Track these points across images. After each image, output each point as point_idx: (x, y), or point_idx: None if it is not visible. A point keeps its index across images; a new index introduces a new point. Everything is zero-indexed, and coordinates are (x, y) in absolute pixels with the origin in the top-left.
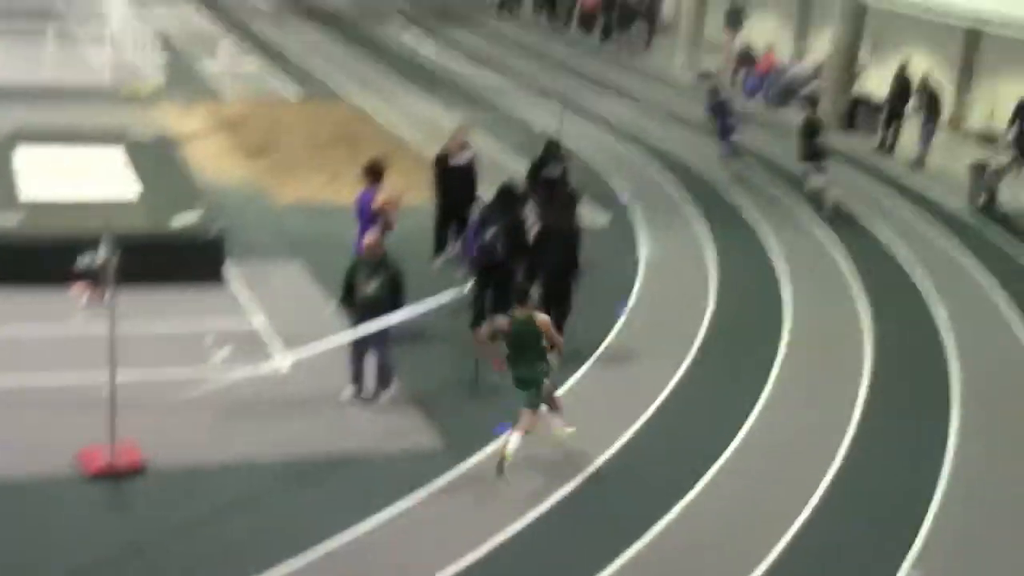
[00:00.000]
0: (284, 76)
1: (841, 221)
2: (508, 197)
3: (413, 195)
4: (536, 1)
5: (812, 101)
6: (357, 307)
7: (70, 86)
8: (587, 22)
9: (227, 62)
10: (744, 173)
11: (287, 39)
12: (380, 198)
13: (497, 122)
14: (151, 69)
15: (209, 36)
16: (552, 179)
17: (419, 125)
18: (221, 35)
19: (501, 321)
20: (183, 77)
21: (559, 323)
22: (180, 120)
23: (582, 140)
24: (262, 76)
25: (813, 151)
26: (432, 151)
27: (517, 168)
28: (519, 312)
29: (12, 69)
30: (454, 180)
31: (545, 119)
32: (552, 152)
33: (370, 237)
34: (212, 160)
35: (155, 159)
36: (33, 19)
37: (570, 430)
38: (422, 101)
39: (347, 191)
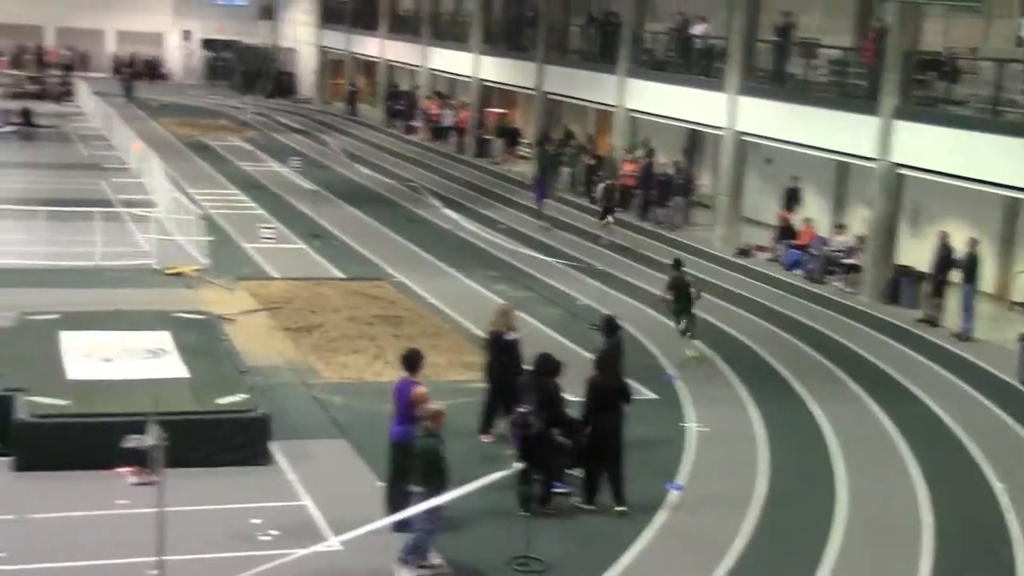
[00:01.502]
0: (326, 254)
1: (888, 391)
2: (545, 367)
3: (456, 373)
4: (572, 178)
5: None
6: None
7: (117, 267)
8: (625, 198)
9: (270, 242)
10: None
11: (328, 218)
12: (417, 391)
13: (540, 299)
14: (196, 250)
15: (252, 217)
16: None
17: (462, 302)
18: (264, 216)
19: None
20: (228, 258)
21: (616, 483)
22: (224, 300)
23: (624, 315)
24: (304, 255)
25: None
26: (475, 328)
27: (561, 345)
28: None
29: (61, 251)
30: (504, 358)
31: (587, 294)
32: (609, 328)
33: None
34: (257, 340)
35: (200, 340)
36: (82, 203)
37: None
38: (464, 278)
39: (391, 370)
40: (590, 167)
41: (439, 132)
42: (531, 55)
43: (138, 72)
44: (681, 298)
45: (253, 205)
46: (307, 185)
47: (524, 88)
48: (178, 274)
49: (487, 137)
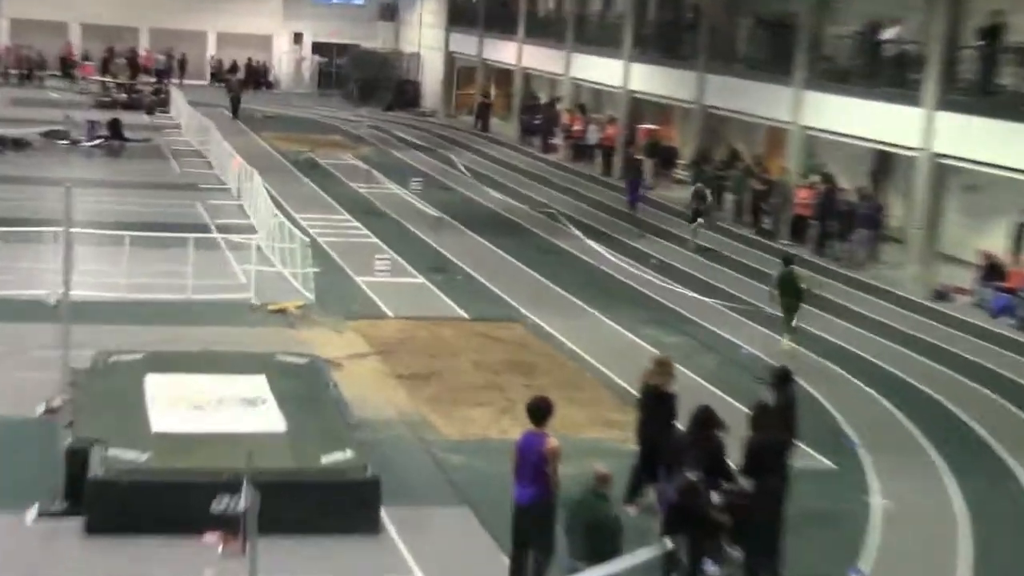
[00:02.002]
0: (449, 290)
1: None
2: (708, 421)
3: (597, 431)
4: (737, 206)
5: None
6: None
7: (211, 301)
8: (799, 230)
9: (385, 275)
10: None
11: (452, 249)
12: (551, 446)
13: (697, 346)
14: (301, 284)
15: (365, 246)
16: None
17: (605, 349)
18: (379, 246)
19: None
20: (336, 293)
21: (774, 564)
22: (332, 342)
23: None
24: (423, 290)
25: None
26: (620, 379)
27: (722, 400)
28: None
29: (148, 282)
30: (660, 416)
31: (752, 343)
32: (779, 380)
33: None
34: (367, 388)
35: (302, 387)
36: (173, 228)
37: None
38: (608, 320)
39: (520, 426)
40: (758, 193)
41: (582, 151)
42: (690, 63)
43: (242, 80)
44: (789, 293)
45: (367, 233)
46: (428, 211)
47: (681, 101)
48: (280, 311)
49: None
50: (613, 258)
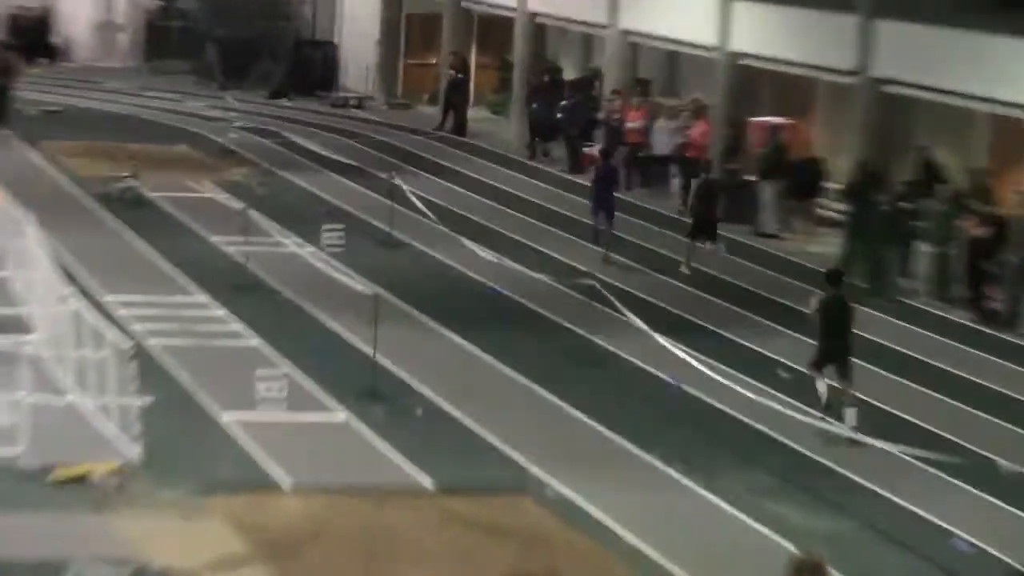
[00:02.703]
0: (396, 435)
1: None
2: None
3: None
4: (942, 264)
5: None
6: None
7: None
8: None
9: (275, 406)
10: None
11: (400, 356)
12: None
13: (874, 537)
14: (117, 427)
15: (236, 353)
16: None
17: (696, 543)
18: (261, 352)
19: None
20: (184, 444)
21: None
22: (176, 538)
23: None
24: (350, 437)
25: None
26: None
27: None
28: None
29: None
30: None
31: (971, 527)
32: None
33: None
34: None
35: None
36: None
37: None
38: (700, 489)
39: None
40: (977, 244)
41: (644, 167)
42: (845, 1)
43: (8, 48)
44: (835, 325)
45: (238, 329)
46: (357, 284)
47: (830, 71)
48: (77, 479)
49: (747, 179)
50: (706, 370)
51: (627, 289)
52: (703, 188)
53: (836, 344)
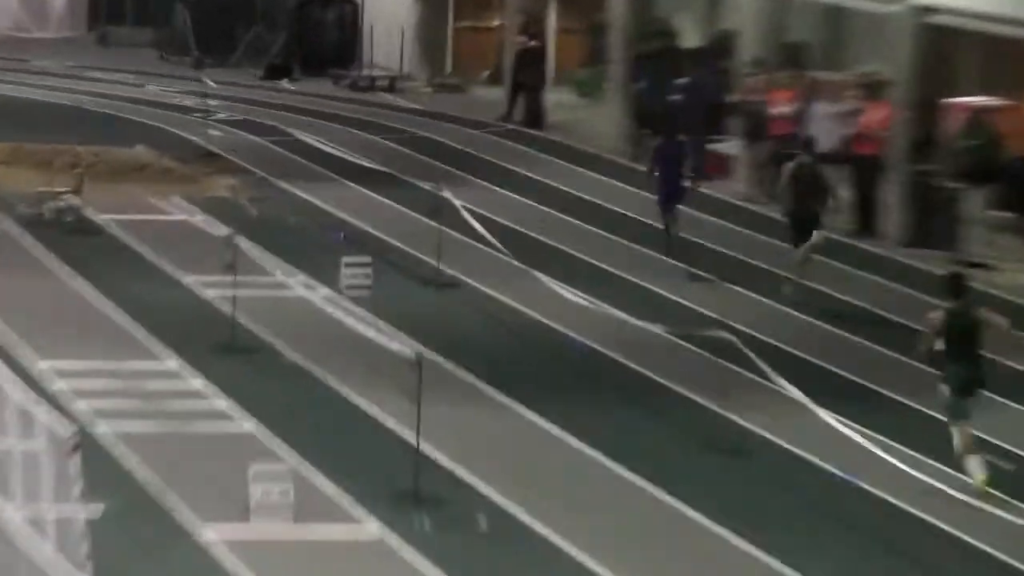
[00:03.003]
0: (443, 556)
1: None
2: None
3: None
4: None
5: None
6: None
7: None
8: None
9: (276, 513)
10: None
11: (456, 449)
12: None
13: None
14: (54, 546)
15: (223, 444)
16: None
17: None
18: (261, 443)
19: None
20: (153, 564)
21: None
22: None
23: None
24: (385, 559)
25: None
26: None
27: None
28: None
29: None
30: None
31: None
32: None
33: None
34: None
35: None
36: None
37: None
38: None
39: None
40: None
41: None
42: None
43: None
44: (960, 345)
45: (222, 406)
46: (389, 341)
47: None
48: None
49: (948, 185)
50: (894, 460)
51: (779, 345)
52: (801, 173)
53: (962, 363)
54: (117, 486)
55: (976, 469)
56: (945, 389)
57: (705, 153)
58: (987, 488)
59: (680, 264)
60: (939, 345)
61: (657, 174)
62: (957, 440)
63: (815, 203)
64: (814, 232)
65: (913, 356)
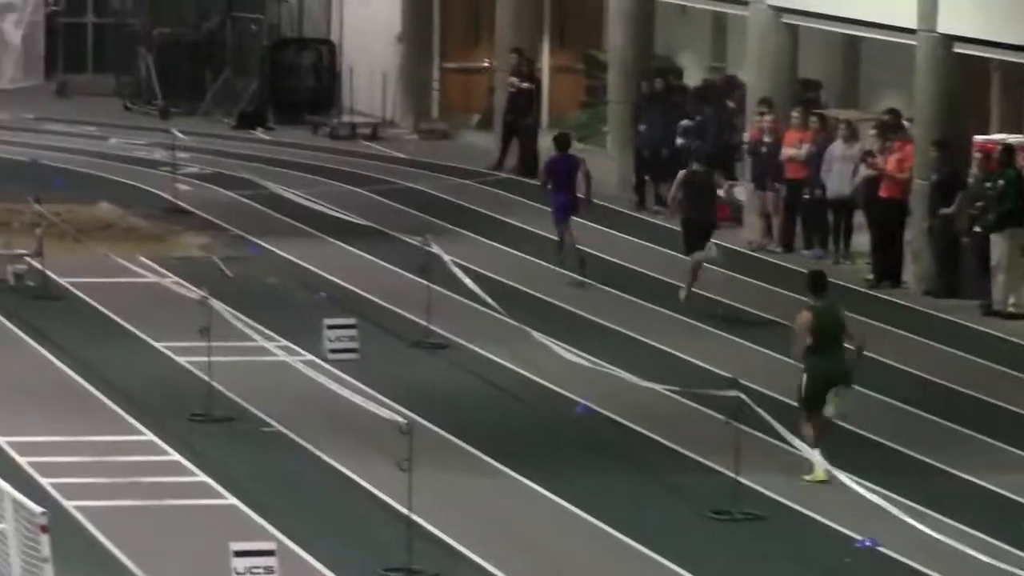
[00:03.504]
0: None
1: None
2: None
3: None
4: None
5: None
6: None
7: None
8: None
9: None
10: None
11: None
12: None
13: None
14: None
15: (212, 523)
16: None
17: None
18: (254, 523)
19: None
20: None
21: None
22: None
23: None
24: None
25: None
26: None
27: None
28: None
29: None
30: None
31: None
32: None
33: None
34: None
35: None
36: None
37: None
38: None
39: None
40: None
41: (810, 214)
42: None
43: None
44: (824, 340)
45: (200, 480)
46: (377, 408)
47: None
48: None
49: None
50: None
51: (779, 397)
52: (692, 180)
53: (826, 358)
54: (91, 566)
55: (819, 462)
56: (805, 381)
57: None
58: (823, 479)
59: (687, 319)
60: (809, 340)
61: (550, 187)
62: (807, 432)
63: (709, 212)
64: (708, 242)
65: (946, 414)
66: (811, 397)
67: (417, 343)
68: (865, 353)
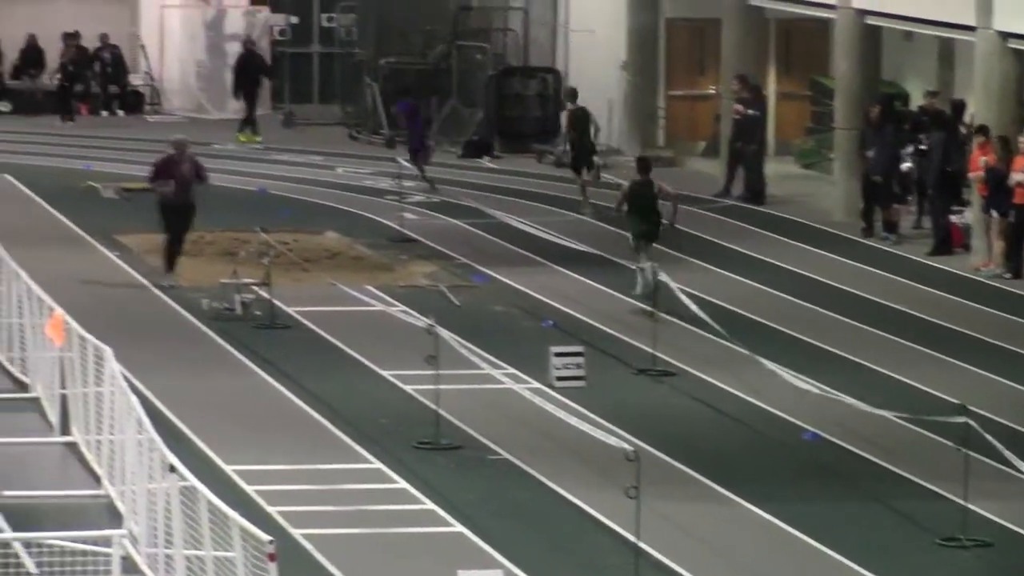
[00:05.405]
0: None
1: None
2: None
3: None
4: None
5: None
6: None
7: None
8: None
9: None
10: None
11: None
12: None
13: None
14: None
15: (430, 541)
16: None
17: None
18: (458, 532)
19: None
20: None
21: None
22: None
23: None
24: None
25: None
26: None
27: None
28: None
29: None
30: None
31: None
32: None
33: None
34: None
35: None
36: None
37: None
38: None
39: None
40: None
41: None
42: None
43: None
44: (641, 207)
45: (428, 508)
46: (604, 435)
47: None
48: None
49: None
50: None
51: (1011, 425)
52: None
53: (642, 224)
54: None
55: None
56: (630, 239)
57: (948, 224)
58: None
59: (912, 344)
60: (626, 208)
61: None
62: (639, 277)
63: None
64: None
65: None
66: (636, 250)
67: (643, 370)
68: None
